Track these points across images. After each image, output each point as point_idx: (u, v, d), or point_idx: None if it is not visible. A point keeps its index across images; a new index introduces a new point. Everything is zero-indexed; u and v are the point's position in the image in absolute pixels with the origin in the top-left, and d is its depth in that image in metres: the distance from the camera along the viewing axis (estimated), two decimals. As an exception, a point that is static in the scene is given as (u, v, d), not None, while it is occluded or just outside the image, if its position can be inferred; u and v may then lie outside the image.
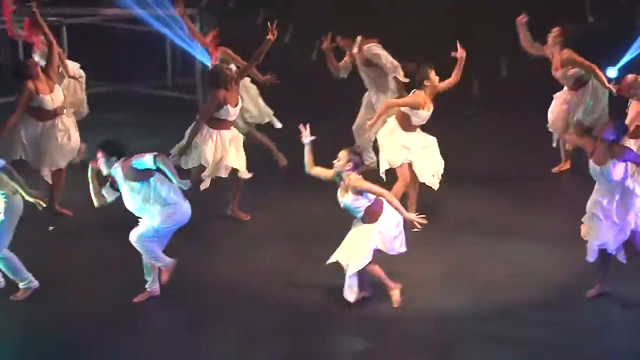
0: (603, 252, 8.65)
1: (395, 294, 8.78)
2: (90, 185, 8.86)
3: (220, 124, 10.46)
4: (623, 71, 11.68)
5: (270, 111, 12.03)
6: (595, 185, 8.68)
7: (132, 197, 8.76)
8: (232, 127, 10.61)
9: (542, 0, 14.28)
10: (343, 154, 8.64)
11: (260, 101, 12.03)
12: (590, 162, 8.60)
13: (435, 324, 8.56)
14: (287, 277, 9.37)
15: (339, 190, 8.68)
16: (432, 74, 10.24)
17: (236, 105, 10.50)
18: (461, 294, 9.00)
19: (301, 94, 13.74)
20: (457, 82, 10.39)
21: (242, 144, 10.64)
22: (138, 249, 8.86)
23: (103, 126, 12.76)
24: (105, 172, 8.81)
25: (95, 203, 8.92)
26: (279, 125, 11.97)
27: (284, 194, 11.43)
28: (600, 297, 8.74)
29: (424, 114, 10.28)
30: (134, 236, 8.85)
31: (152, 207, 8.74)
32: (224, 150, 10.44)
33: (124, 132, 12.77)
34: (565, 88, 11.71)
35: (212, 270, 9.60)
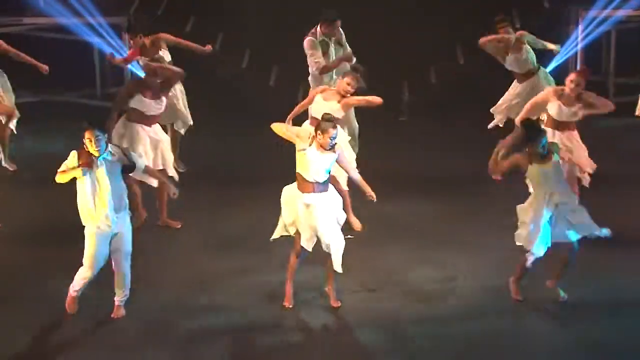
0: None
1: (333, 295, 8.80)
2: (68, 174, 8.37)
3: (138, 116, 10.37)
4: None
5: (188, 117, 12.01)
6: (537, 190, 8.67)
7: (111, 194, 8.40)
8: (155, 125, 10.46)
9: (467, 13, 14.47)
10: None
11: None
12: (537, 166, 8.61)
13: (368, 329, 8.56)
14: (220, 285, 9.31)
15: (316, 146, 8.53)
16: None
17: (155, 99, 10.36)
18: (395, 299, 9.01)
19: (228, 102, 13.69)
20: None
21: (167, 145, 10.53)
22: (126, 266, 8.61)
23: (31, 135, 12.59)
24: (98, 153, 8.30)
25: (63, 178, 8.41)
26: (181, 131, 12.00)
27: (217, 200, 11.37)
28: (528, 301, 8.80)
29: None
30: (127, 252, 8.57)
31: (125, 211, 8.53)
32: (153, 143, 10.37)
33: (54, 141, 12.62)
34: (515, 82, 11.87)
35: (147, 279, 9.49)
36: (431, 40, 14.70)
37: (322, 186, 8.61)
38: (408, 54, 14.68)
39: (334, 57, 11.41)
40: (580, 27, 13.96)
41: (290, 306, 8.80)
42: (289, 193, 8.71)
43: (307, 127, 9.79)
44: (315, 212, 8.57)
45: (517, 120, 10.07)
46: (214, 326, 8.59)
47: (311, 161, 8.51)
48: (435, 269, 9.58)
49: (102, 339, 8.37)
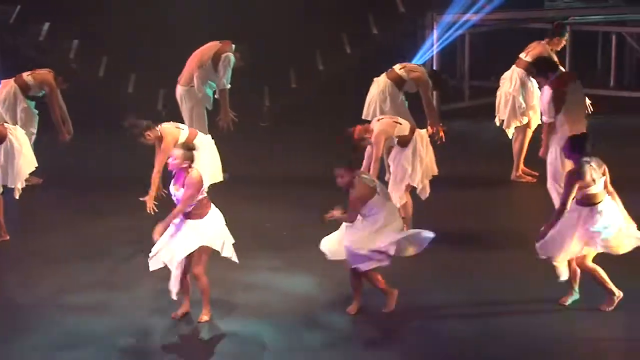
0: None
1: (205, 311, 8.72)
2: None
3: None
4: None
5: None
6: None
7: None
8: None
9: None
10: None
11: None
12: None
13: (237, 338, 8.57)
14: (76, 298, 9.17)
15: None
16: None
17: None
18: (250, 307, 9.00)
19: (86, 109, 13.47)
20: None
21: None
22: None
23: None
24: None
25: None
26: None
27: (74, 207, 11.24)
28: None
29: None
30: None
31: None
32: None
33: None
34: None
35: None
36: (289, 46, 14.77)
37: None
38: (269, 59, 14.73)
39: None
40: (436, 32, 14.21)
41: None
42: None
43: None
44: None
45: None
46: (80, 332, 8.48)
47: None
48: (303, 271, 9.63)
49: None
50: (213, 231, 8.56)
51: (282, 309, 8.92)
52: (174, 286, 8.53)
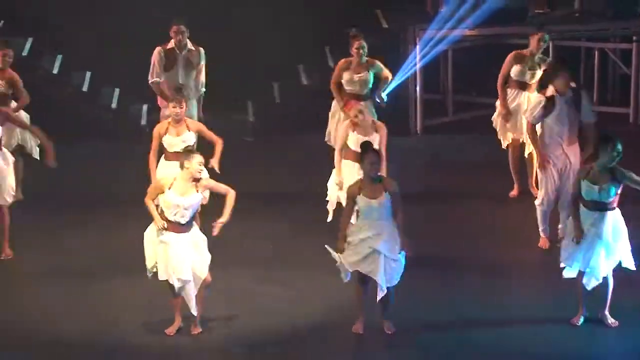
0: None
1: (196, 322, 8.76)
2: None
3: None
4: (390, 97, 12.07)
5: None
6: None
7: None
8: None
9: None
10: None
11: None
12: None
13: (217, 352, 8.57)
14: (66, 316, 9.15)
15: None
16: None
17: None
18: (240, 320, 9.02)
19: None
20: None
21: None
22: None
23: None
24: None
25: None
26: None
27: (59, 225, 11.20)
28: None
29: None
30: None
31: None
32: None
33: None
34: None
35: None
36: (273, 60, 14.79)
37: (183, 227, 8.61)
38: (251, 74, 14.74)
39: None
40: (418, 47, 14.26)
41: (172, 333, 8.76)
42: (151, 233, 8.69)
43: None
44: (171, 251, 8.56)
45: None
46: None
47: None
48: (281, 288, 9.64)
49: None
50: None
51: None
52: (193, 301, 8.59)
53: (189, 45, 11.61)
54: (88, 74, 14.97)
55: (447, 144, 14.09)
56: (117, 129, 14.26)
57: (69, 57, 14.89)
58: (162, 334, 8.71)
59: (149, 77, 11.56)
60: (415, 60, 14.29)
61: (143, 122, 14.37)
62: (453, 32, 14.19)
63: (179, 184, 8.56)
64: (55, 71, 14.67)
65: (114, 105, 14.74)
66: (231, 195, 8.72)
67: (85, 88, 14.79)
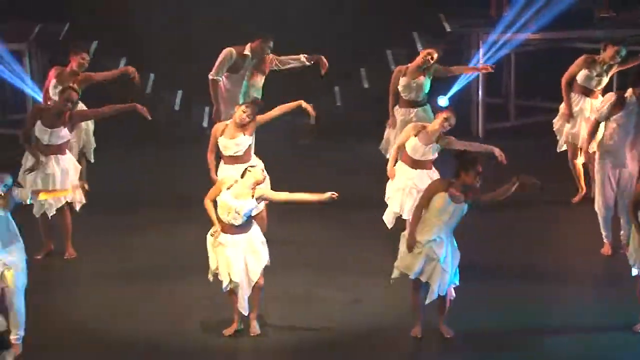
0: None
1: (254, 324, 8.80)
2: None
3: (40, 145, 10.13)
4: (453, 100, 12.03)
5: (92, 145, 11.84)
6: None
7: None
8: (57, 154, 10.19)
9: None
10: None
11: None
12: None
13: (275, 353, 8.59)
14: (130, 316, 9.22)
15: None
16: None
17: (52, 128, 10.10)
18: (299, 323, 9.02)
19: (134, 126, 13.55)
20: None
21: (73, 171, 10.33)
22: (18, 303, 8.35)
23: None
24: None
25: None
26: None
27: (122, 226, 11.27)
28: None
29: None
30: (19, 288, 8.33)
31: (18, 243, 8.37)
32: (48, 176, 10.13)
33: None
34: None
35: (57, 311, 9.35)
36: (335, 63, 14.80)
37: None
38: (312, 76, 14.76)
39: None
40: (481, 51, 14.19)
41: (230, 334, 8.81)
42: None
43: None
44: (227, 252, 8.59)
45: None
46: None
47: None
48: (340, 292, 9.63)
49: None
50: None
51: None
52: (245, 302, 8.66)
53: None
54: (152, 76, 15.11)
55: (509, 148, 13.96)
56: (180, 131, 14.36)
57: (133, 60, 15.04)
58: (222, 334, 8.75)
59: (210, 74, 11.41)
60: (478, 64, 14.21)
61: (204, 124, 14.46)
62: (516, 35, 14.11)
63: (238, 186, 8.60)
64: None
65: (176, 107, 14.85)
66: (295, 194, 8.72)
67: (148, 90, 14.92)
